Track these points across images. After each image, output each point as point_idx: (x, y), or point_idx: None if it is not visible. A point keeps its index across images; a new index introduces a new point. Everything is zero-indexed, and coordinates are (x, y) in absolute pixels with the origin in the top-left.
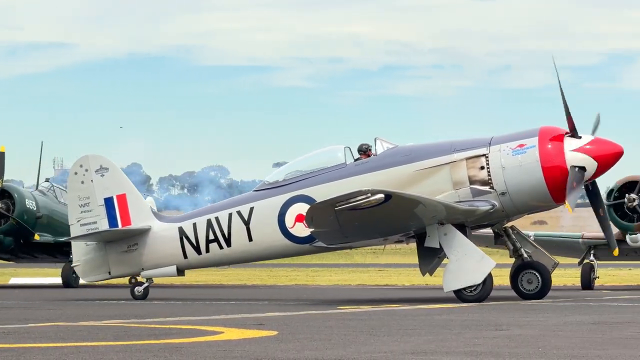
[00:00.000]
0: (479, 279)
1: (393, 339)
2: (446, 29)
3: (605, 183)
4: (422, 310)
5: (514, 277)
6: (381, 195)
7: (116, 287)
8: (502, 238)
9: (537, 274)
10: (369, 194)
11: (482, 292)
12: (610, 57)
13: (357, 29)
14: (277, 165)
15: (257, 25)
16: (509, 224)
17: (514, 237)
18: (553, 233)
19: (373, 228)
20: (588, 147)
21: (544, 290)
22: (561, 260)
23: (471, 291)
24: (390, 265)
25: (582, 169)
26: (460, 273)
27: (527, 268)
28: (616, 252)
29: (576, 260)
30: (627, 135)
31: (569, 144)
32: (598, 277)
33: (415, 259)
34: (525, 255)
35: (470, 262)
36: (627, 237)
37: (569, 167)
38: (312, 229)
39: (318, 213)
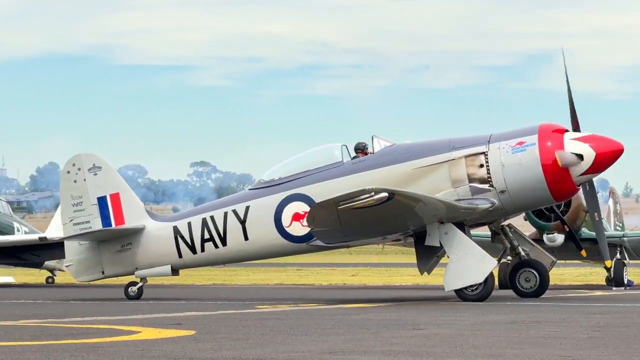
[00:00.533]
0: (480, 278)
1: (311, 339)
2: (364, 28)
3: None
4: (340, 309)
5: (512, 275)
6: (384, 194)
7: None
8: (499, 236)
9: (535, 272)
10: (372, 193)
11: (483, 292)
12: (527, 57)
13: (275, 28)
14: (196, 164)
15: (174, 25)
16: (506, 223)
17: (511, 235)
18: (479, 233)
19: (373, 227)
20: (588, 140)
21: (542, 288)
22: None
23: (472, 290)
24: (309, 264)
25: (580, 156)
26: (462, 272)
27: (525, 266)
28: (609, 263)
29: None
30: None
31: (569, 136)
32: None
33: (333, 259)
34: (522, 253)
35: (471, 261)
36: (544, 237)
37: (566, 151)
38: (312, 228)
39: (320, 212)
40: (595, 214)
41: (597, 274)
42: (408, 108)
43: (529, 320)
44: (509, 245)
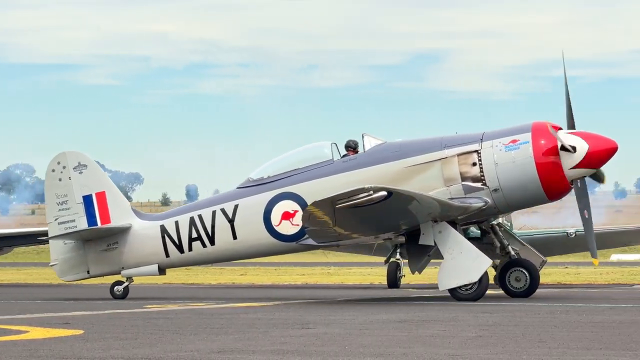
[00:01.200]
0: (475, 277)
1: (199, 338)
2: (253, 27)
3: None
4: (229, 309)
5: (502, 274)
6: (383, 193)
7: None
8: (489, 235)
9: (525, 271)
10: (371, 191)
11: (478, 291)
12: (415, 57)
13: (162, 27)
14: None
15: (62, 23)
16: (496, 222)
17: (500, 234)
18: None
19: (367, 226)
20: (583, 137)
21: (532, 288)
22: (369, 259)
23: (467, 290)
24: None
25: (573, 148)
26: (456, 271)
27: (515, 266)
28: (596, 262)
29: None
30: (436, 133)
31: (563, 132)
32: (404, 276)
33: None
34: (512, 252)
35: (466, 260)
36: None
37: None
38: (306, 227)
39: (317, 211)
40: (585, 211)
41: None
42: (296, 107)
43: (418, 319)
44: (498, 245)
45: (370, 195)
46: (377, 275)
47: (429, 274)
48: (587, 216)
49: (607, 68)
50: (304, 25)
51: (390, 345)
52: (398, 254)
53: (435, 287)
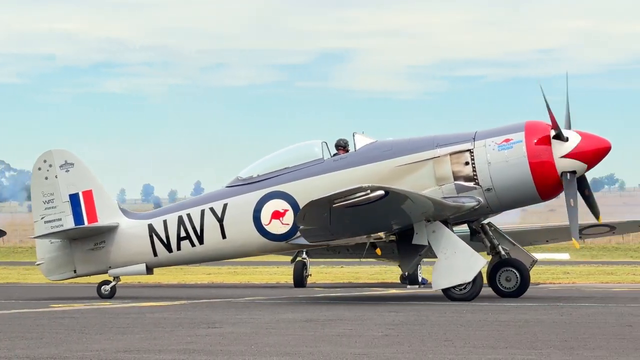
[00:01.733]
0: (469, 277)
1: (105, 337)
2: (158, 26)
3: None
4: (135, 308)
5: (492, 274)
6: (381, 192)
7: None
8: (479, 235)
9: (515, 271)
10: (369, 191)
11: (472, 291)
12: (320, 56)
13: (68, 25)
14: None
15: None
16: (486, 221)
17: (491, 234)
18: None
19: (361, 225)
20: (578, 132)
21: (522, 288)
22: (276, 258)
23: (461, 290)
24: None
25: (566, 139)
26: (450, 271)
27: (505, 265)
28: (577, 244)
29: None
30: (341, 133)
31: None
32: (310, 275)
33: None
34: (502, 252)
35: (460, 260)
36: None
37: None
38: (301, 227)
39: (313, 210)
40: (571, 200)
41: (391, 272)
42: (202, 106)
43: (324, 319)
44: (488, 244)
45: (368, 194)
46: (284, 274)
47: (334, 273)
48: (572, 205)
49: (511, 68)
50: (209, 24)
51: (296, 345)
52: (304, 253)
53: (341, 286)
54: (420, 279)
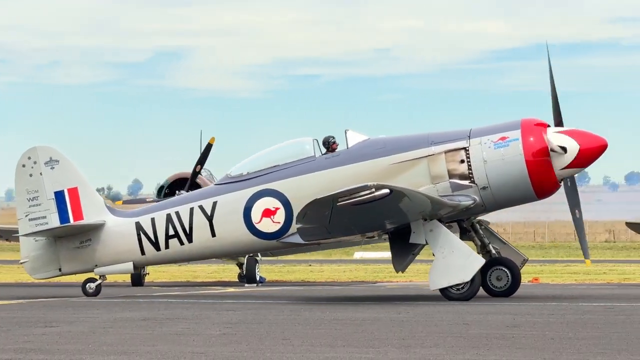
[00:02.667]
0: (467, 277)
1: None
2: None
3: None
4: None
5: (482, 273)
6: (386, 190)
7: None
8: (469, 233)
9: (506, 270)
10: (374, 189)
11: (470, 290)
12: (157, 55)
13: None
14: None
15: None
16: (476, 219)
17: (481, 232)
18: None
19: (357, 224)
20: (572, 135)
21: (513, 287)
22: None
23: (458, 289)
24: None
25: (563, 149)
26: (448, 270)
27: (496, 264)
28: (588, 262)
29: None
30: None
31: (553, 130)
32: (148, 274)
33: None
34: (493, 251)
35: (458, 259)
36: None
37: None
38: (299, 225)
39: (315, 209)
40: (576, 210)
41: (229, 270)
42: (40, 104)
43: (162, 318)
44: (479, 243)
45: (373, 192)
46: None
47: (171, 272)
48: (578, 216)
49: (348, 67)
50: (45, 22)
51: (134, 344)
52: None
53: (179, 285)
54: (258, 278)
